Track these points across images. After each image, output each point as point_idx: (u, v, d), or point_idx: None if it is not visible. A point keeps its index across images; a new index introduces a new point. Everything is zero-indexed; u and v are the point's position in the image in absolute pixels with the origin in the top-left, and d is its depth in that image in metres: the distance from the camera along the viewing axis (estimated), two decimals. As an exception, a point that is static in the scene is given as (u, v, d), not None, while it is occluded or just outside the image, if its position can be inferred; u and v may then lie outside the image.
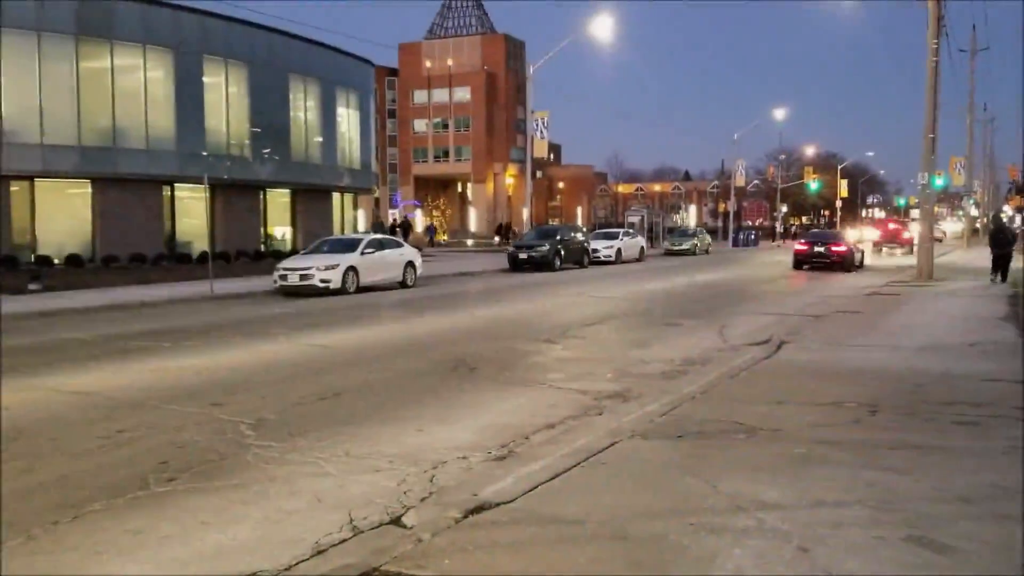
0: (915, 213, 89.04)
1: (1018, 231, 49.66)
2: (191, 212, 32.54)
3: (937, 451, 6.52)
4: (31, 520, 5.53)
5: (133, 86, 30.66)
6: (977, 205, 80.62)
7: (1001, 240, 25.17)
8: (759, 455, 6.46)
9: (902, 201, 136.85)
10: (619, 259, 38.88)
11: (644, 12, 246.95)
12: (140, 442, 7.51)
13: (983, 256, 29.97)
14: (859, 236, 48.62)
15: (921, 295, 20.31)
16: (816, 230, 48.17)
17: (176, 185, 32.08)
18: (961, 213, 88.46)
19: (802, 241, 35.15)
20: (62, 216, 30.32)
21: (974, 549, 4.59)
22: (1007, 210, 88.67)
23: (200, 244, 31.30)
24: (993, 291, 21.11)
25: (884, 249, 50.24)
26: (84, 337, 14.76)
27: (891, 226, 58.24)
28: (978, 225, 76.12)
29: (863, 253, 36.10)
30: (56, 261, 28.31)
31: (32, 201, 28.85)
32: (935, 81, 25.26)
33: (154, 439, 7.59)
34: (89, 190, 29.92)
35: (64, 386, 10.09)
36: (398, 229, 48.67)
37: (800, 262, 32.93)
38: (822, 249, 32.48)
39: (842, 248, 32.47)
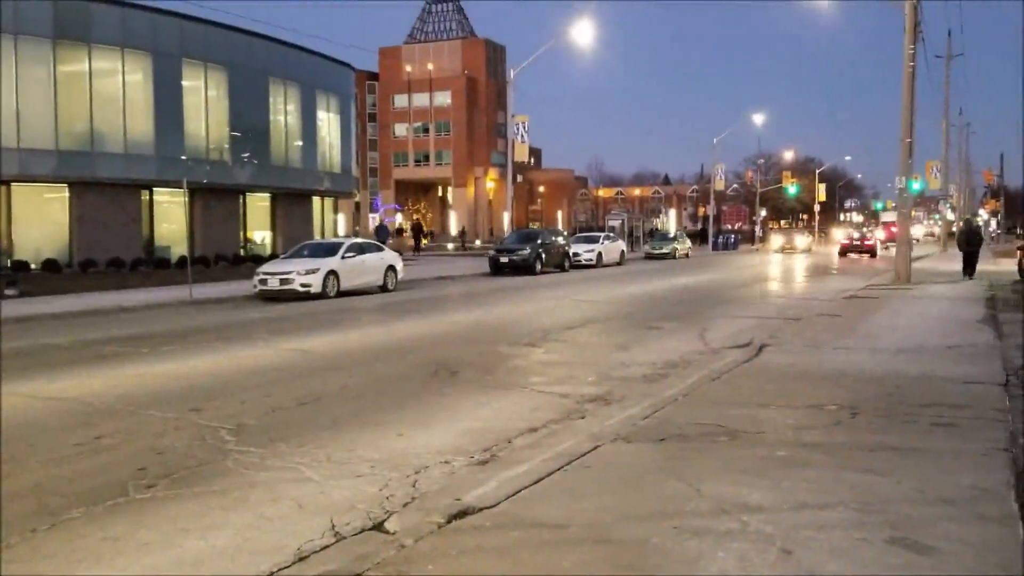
0: (886, 216, 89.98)
1: (993, 234, 55.84)
2: (170, 216, 32.35)
3: (918, 453, 6.56)
4: (8, 528, 5.45)
5: (111, 90, 30.43)
6: (953, 209, 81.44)
7: (972, 240, 28.14)
8: (742, 458, 6.47)
9: (879, 205, 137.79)
10: (600, 263, 38.94)
11: (624, 16, 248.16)
12: (119, 448, 7.43)
13: (959, 258, 30.59)
14: (881, 235, 63.43)
15: (899, 298, 20.46)
16: (850, 230, 65.28)
17: (155, 189, 31.88)
18: (937, 216, 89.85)
19: (845, 237, 53.50)
20: (39, 221, 30.05)
21: (956, 550, 4.61)
22: (982, 213, 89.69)
23: (179, 248, 31.10)
24: (969, 293, 21.31)
25: (887, 247, 57.33)
26: (61, 342, 14.61)
27: (893, 229, 68.71)
28: (954, 229, 77.23)
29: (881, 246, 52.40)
30: (33, 266, 28.03)
31: (9, 205, 28.57)
32: (911, 86, 25.53)
33: (133, 445, 7.51)
34: (67, 194, 29.67)
35: (41, 392, 9.98)
36: (408, 232, 49.32)
37: (844, 251, 49.25)
38: (858, 243, 50.42)
39: (871, 242, 50.76)
